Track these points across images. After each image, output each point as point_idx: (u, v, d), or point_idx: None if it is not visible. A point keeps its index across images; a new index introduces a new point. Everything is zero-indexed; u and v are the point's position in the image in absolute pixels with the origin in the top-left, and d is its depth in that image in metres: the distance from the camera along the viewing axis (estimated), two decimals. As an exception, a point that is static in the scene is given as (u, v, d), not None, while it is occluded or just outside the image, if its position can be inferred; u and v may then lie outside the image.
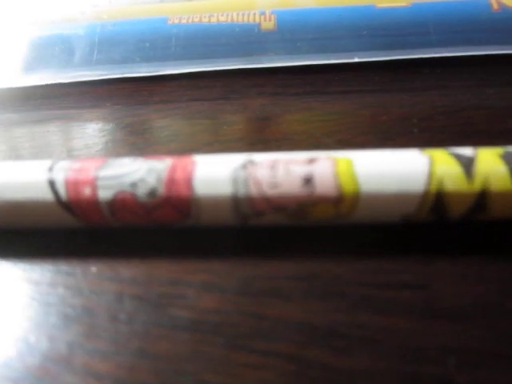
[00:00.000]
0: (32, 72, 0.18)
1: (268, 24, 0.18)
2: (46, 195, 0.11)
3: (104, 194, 0.11)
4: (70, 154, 0.15)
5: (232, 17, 0.18)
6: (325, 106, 0.17)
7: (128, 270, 0.12)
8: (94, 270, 0.12)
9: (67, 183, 0.11)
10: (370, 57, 0.17)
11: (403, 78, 0.17)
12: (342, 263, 0.11)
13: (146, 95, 0.18)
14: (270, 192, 0.11)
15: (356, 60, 0.17)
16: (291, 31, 0.18)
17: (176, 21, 0.18)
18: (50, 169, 0.12)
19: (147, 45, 0.18)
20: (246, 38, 0.18)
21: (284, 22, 0.18)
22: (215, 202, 0.11)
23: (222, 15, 0.18)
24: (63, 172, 0.12)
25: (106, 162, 0.12)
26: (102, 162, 0.12)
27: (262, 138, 0.15)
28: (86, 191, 0.11)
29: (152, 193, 0.11)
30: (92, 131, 0.17)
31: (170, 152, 0.14)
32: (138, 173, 0.11)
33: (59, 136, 0.17)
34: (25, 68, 0.18)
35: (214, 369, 0.10)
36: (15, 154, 0.16)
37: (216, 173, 0.11)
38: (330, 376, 0.09)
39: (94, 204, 0.11)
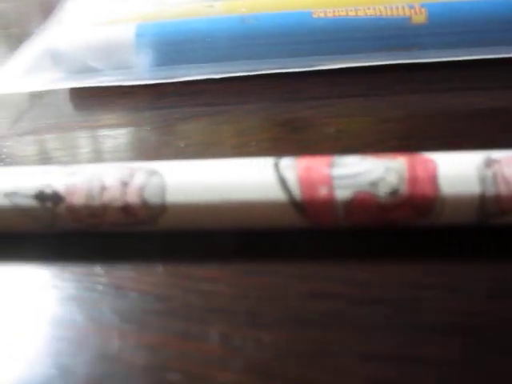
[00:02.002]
0: (172, 68, 0.18)
1: (419, 17, 0.17)
2: (278, 195, 0.11)
3: (342, 194, 0.11)
4: (237, 152, 0.15)
5: (380, 10, 0.17)
6: (487, 103, 0.16)
7: (359, 273, 0.11)
8: (319, 271, 0.11)
9: (301, 182, 0.11)
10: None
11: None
12: None
13: (293, 91, 0.17)
14: (521, 190, 0.11)
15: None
16: (443, 25, 0.17)
17: (321, 14, 0.18)
18: (276, 167, 0.11)
19: (293, 39, 0.18)
20: (395, 32, 0.17)
21: (436, 16, 0.17)
22: (461, 201, 0.11)
23: (369, 8, 0.17)
24: (293, 170, 0.11)
25: (332, 161, 0.11)
26: (328, 160, 0.11)
27: (440, 135, 0.15)
28: (322, 191, 0.11)
29: (394, 192, 0.11)
30: (248, 128, 0.16)
31: (344, 150, 0.14)
32: (375, 172, 0.11)
33: (215, 133, 0.16)
34: (165, 63, 0.18)
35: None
36: (181, 151, 0.15)
37: (461, 171, 0.11)
38: None
39: (329, 204, 0.11)
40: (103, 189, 0.12)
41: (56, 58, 0.19)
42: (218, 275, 0.11)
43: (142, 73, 0.18)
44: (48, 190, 0.12)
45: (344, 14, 0.18)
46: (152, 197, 0.11)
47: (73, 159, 0.16)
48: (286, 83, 0.18)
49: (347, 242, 0.12)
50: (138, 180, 0.12)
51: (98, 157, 0.16)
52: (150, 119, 0.17)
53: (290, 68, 0.17)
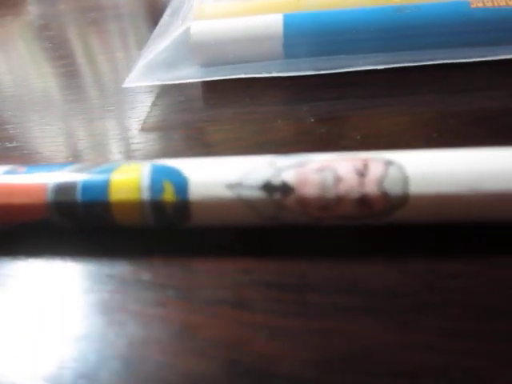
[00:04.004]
0: (326, 59, 0.17)
1: None
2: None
3: None
4: (422, 144, 0.14)
5: (542, -1, 0.17)
6: None
7: None
8: None
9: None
10: None
11: None
12: None
13: (447, 84, 0.17)
14: None
15: None
16: None
17: (480, 4, 0.17)
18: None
19: (450, 30, 0.17)
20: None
21: None
22: None
23: (530, -2, 0.17)
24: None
25: None
26: None
27: None
28: None
29: None
30: (422, 120, 0.16)
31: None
32: None
33: (388, 124, 0.15)
34: (316, 55, 0.18)
35: None
36: (359, 144, 0.15)
37: None
38: None
39: None
40: (338, 180, 0.11)
41: (195, 50, 0.18)
42: (460, 270, 0.11)
43: (291, 64, 0.18)
44: (276, 181, 0.11)
45: (503, 3, 0.17)
46: (393, 188, 0.11)
47: (223, 153, 0.15)
48: (440, 75, 0.17)
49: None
50: (376, 171, 0.11)
51: (256, 150, 0.15)
52: (310, 112, 0.16)
53: (451, 59, 0.17)
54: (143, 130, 0.17)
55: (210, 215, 0.12)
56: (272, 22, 0.18)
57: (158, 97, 0.19)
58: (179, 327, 0.11)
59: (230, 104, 0.18)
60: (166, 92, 0.19)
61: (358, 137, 0.15)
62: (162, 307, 0.11)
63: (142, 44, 0.21)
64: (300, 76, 0.17)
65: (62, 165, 0.13)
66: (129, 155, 0.16)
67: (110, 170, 0.12)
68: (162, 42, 0.19)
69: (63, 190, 0.12)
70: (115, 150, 0.16)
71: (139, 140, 0.17)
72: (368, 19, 0.17)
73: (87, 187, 0.12)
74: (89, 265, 0.12)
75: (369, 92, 0.17)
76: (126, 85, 0.18)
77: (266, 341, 0.10)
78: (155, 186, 0.12)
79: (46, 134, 0.18)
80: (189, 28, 0.19)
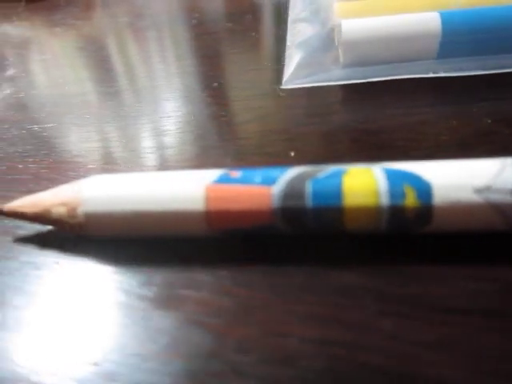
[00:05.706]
0: (489, 58, 0.17)
1: None
2: None
3: None
4: None
5: None
6: None
7: None
8: None
9: None
10: None
11: None
12: None
13: None
14: None
15: None
16: None
17: None
18: None
19: None
20: None
21: None
22: None
23: None
24: None
25: None
26: None
27: None
28: None
29: None
30: None
31: None
32: None
33: None
34: (474, 54, 0.17)
35: None
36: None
37: None
38: None
39: None
40: None
41: (346, 50, 0.18)
42: None
43: (445, 64, 0.17)
44: (530, 185, 0.11)
45: None
46: None
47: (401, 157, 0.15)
48: None
49: None
50: None
51: (439, 153, 0.15)
52: (482, 112, 0.16)
53: None
54: (302, 133, 0.17)
55: (453, 221, 0.11)
56: (429, 20, 0.17)
57: (307, 99, 0.18)
58: (433, 340, 0.10)
59: (387, 104, 0.17)
60: (308, 94, 0.18)
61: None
62: (410, 318, 0.11)
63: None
64: (450, 76, 0.17)
65: (280, 169, 0.12)
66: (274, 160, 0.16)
67: (339, 174, 0.12)
68: (305, 42, 0.19)
69: (292, 195, 0.12)
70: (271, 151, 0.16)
71: (282, 146, 0.16)
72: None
73: (319, 192, 0.11)
74: (312, 274, 0.12)
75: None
76: (283, 86, 0.17)
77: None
78: (395, 190, 0.11)
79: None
80: (334, 27, 0.18)
